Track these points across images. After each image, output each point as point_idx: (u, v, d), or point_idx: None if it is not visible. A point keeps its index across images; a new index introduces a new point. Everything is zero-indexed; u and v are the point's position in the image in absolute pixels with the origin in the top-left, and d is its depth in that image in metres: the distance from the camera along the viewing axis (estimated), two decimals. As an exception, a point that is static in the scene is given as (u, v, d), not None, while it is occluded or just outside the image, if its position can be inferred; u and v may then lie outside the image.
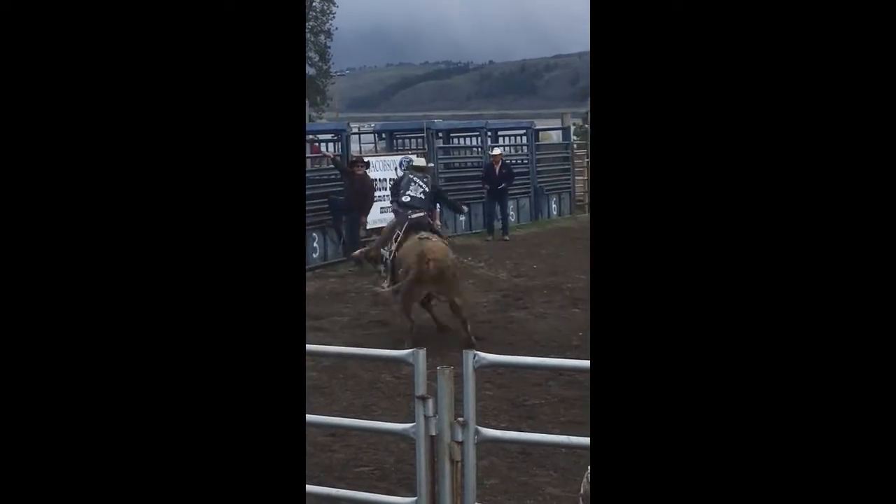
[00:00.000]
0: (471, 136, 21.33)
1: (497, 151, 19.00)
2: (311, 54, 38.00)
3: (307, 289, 9.03)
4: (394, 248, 10.14)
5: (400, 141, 20.45)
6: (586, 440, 4.91)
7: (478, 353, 4.43)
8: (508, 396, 7.84)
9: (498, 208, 18.53)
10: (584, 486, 2.83)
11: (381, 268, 10.51)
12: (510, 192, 18.81)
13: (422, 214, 10.32)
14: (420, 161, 12.27)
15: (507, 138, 22.07)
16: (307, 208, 12.45)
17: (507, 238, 18.02)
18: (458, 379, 4.44)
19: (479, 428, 4.45)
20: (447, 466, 4.40)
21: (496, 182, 18.29)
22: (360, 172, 14.81)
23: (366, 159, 15.95)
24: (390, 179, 16.79)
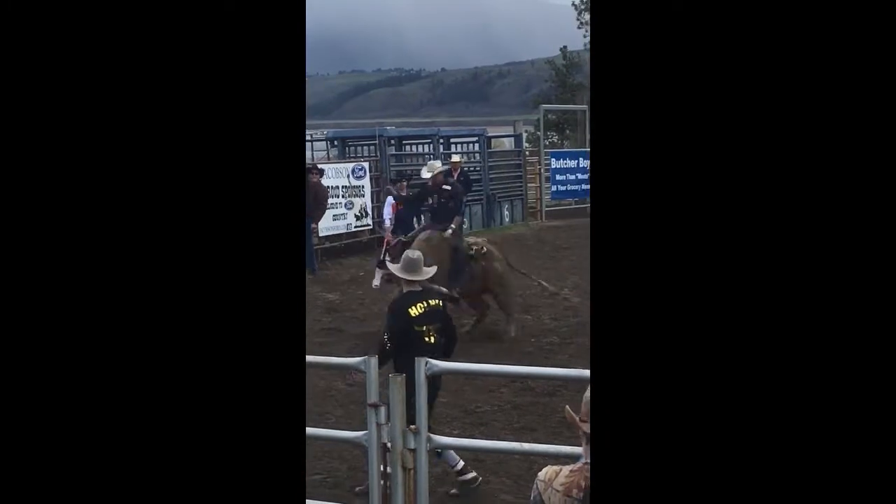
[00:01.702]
0: (423, 144, 21.29)
1: (455, 158, 18.99)
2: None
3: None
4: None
5: (352, 148, 20.38)
6: (539, 447, 4.94)
7: (430, 360, 4.43)
8: (461, 403, 7.85)
9: (454, 215, 18.52)
10: (534, 492, 2.83)
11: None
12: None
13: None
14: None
15: (459, 145, 22.06)
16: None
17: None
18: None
19: (432, 435, 4.45)
20: (400, 474, 4.40)
21: (454, 189, 18.28)
22: (314, 180, 14.77)
23: (319, 166, 15.90)
24: (342, 187, 16.76)
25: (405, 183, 14.09)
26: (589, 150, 24.09)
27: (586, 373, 4.34)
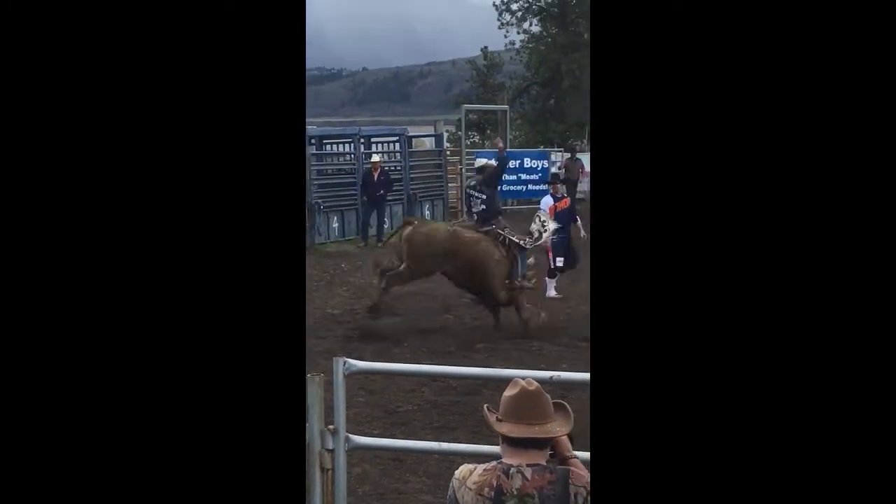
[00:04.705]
0: (344, 143, 21.23)
1: (376, 158, 19.00)
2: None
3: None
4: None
5: (272, 147, 20.20)
6: (458, 446, 4.94)
7: (348, 359, 4.40)
8: (381, 403, 7.84)
9: (375, 215, 18.54)
10: (450, 490, 2.84)
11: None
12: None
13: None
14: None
15: (380, 145, 22.03)
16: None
17: (381, 244, 18.00)
18: (330, 386, 4.41)
19: (350, 435, 4.42)
20: (318, 474, 4.36)
21: (375, 189, 18.31)
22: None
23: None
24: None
25: (558, 184, 13.45)
26: (507, 149, 24.32)
27: (506, 372, 4.36)
